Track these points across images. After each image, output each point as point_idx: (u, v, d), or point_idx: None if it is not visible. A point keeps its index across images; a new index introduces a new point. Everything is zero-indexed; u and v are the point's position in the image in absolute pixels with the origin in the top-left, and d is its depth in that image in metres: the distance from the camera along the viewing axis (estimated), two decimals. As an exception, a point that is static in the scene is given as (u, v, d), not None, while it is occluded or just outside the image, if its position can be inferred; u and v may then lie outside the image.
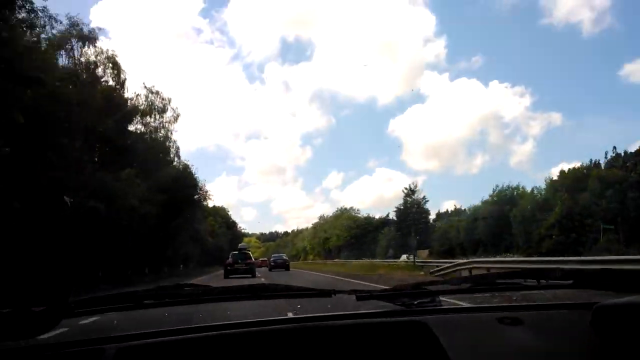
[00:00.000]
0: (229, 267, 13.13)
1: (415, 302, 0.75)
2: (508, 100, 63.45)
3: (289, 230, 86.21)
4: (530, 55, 62.96)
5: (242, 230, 65.94)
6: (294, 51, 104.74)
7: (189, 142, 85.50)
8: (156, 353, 0.64)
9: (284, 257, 22.49)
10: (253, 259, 14.69)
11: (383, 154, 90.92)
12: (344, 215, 58.15)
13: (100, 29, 13.78)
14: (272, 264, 21.62)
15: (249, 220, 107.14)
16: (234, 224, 59.60)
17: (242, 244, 16.72)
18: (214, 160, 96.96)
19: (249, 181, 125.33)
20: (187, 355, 0.63)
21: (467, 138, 65.92)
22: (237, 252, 14.68)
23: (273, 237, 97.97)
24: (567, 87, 56.58)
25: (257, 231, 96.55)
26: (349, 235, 48.78)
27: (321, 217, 68.24)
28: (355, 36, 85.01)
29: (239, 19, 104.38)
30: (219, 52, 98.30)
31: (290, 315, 0.74)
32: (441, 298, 0.76)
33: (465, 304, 0.79)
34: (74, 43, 12.00)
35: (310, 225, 71.02)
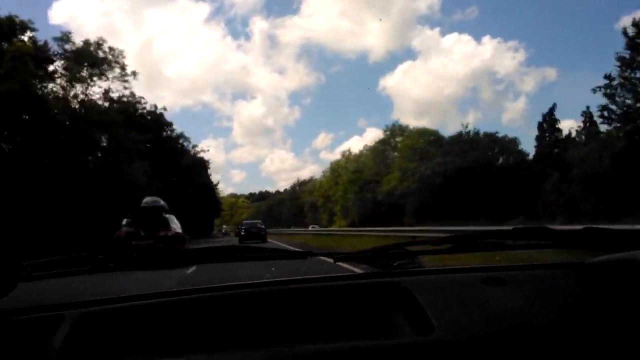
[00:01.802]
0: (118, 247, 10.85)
1: (395, 264, 1.41)
2: (501, 56, 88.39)
3: (281, 190, 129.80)
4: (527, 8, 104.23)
5: (200, 152, 63.59)
6: (280, 4, 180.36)
7: (174, 102, 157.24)
8: (120, 319, 1.09)
9: (259, 225, 30.62)
10: (178, 229, 13.11)
11: (373, 113, 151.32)
12: (404, 141, 56.30)
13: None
14: (243, 233, 28.89)
15: (238, 182, 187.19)
16: (163, 127, 52.80)
17: (149, 197, 13.78)
18: (200, 121, 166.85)
19: (236, 142, 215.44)
20: (154, 321, 1.09)
21: (458, 95, 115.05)
22: (138, 212, 12.82)
23: (264, 196, 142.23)
24: (562, 41, 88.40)
25: (246, 192, 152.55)
26: (432, 170, 42.45)
27: (345, 153, 73.79)
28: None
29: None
30: (199, 6, 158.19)
31: (264, 279, 1.34)
32: (422, 258, 1.45)
33: (446, 265, 1.47)
34: None
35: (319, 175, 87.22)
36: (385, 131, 63.90)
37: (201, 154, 63.81)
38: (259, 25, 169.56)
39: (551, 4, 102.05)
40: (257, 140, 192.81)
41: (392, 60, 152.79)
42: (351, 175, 62.04)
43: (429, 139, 53.68)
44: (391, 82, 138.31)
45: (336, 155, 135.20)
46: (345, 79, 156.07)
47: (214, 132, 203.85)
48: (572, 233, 1.36)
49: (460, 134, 49.75)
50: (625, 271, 1.04)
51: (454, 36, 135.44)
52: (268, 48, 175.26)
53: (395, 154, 57.24)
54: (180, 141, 58.21)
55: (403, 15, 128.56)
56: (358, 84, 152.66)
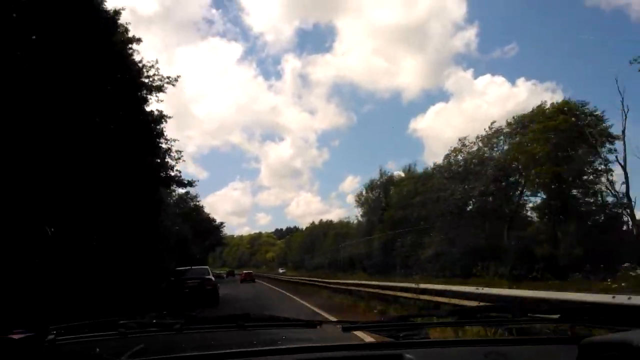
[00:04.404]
0: None
1: (402, 335, 1.53)
2: (536, 98, 73.19)
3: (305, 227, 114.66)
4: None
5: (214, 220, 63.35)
6: (312, 42, 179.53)
7: (203, 143, 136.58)
8: None
9: (205, 275, 20.12)
10: None
11: (403, 156, 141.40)
12: None
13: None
14: (176, 287, 18.65)
15: (263, 225, 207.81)
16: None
17: None
18: (228, 162, 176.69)
19: (263, 185, 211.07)
20: None
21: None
22: None
23: (292, 232, 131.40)
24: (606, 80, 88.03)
25: (272, 229, 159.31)
26: None
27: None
28: (379, 24, 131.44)
29: (252, 9, 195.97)
30: (231, 45, 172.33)
31: (275, 346, 1.43)
32: (428, 330, 1.56)
33: (451, 338, 1.58)
34: None
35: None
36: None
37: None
38: (290, 63, 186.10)
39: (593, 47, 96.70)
40: (284, 183, 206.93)
41: (425, 100, 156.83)
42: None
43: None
44: (423, 123, 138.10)
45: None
46: (376, 118, 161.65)
47: (241, 174, 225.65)
48: (575, 308, 1.46)
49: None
50: (620, 352, 1.11)
51: (487, 77, 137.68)
52: (299, 87, 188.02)
53: None
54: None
55: (439, 53, 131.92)
56: (389, 124, 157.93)
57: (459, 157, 45.51)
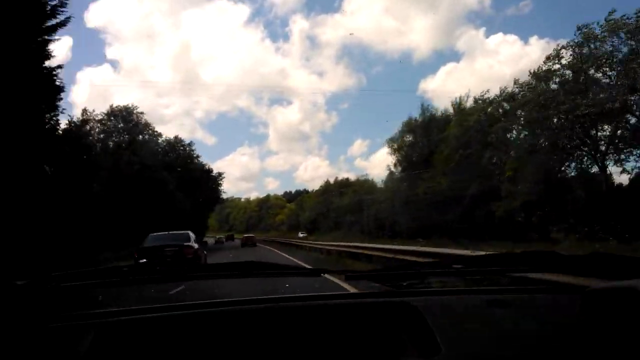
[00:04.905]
0: None
1: (405, 283, 1.60)
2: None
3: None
4: None
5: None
6: (321, 1, 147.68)
7: (210, 108, 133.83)
8: (141, 329, 1.35)
9: (187, 242, 17.75)
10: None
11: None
12: None
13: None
14: (145, 260, 15.50)
15: (271, 189, 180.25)
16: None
17: None
18: (236, 127, 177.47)
19: (271, 150, 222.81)
20: (174, 332, 1.34)
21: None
22: None
23: (301, 194, 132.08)
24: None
25: (280, 193, 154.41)
26: None
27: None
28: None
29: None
30: (238, 7, 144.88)
31: (278, 294, 1.50)
32: (431, 279, 1.71)
33: (454, 286, 1.73)
34: None
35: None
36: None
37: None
38: (299, 24, 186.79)
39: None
40: (292, 147, 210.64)
41: (436, 60, 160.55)
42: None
43: None
44: (433, 84, 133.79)
45: (372, 164, 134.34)
46: (386, 80, 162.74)
47: (249, 139, 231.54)
48: (579, 259, 1.60)
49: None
50: (627, 300, 1.15)
51: (499, 36, 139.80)
52: (307, 49, 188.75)
53: None
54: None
55: (451, 11, 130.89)
56: (399, 85, 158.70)
57: (569, 59, 31.43)
